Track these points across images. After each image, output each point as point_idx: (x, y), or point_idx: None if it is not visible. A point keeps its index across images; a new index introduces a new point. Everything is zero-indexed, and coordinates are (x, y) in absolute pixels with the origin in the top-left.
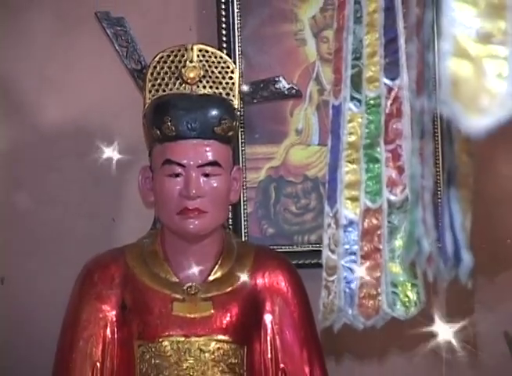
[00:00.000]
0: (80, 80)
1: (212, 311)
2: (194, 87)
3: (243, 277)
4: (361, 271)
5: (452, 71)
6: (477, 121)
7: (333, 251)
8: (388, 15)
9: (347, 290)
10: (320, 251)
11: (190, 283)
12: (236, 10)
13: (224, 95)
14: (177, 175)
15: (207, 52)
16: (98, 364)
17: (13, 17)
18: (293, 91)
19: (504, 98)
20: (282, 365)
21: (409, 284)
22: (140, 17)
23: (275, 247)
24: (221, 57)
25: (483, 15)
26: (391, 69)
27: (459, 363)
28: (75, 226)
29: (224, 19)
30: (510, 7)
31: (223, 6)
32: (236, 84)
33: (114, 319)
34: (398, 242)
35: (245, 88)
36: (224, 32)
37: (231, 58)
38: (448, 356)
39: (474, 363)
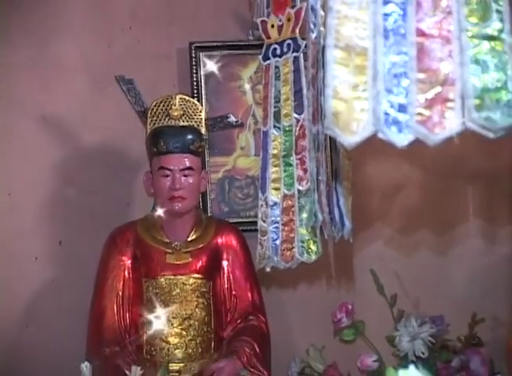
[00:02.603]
0: (106, 118)
1: (190, 259)
2: (177, 121)
3: (209, 238)
4: (281, 233)
5: (333, 108)
6: (349, 139)
7: (264, 221)
8: (296, 74)
9: (274, 245)
10: (256, 221)
11: (176, 242)
12: (202, 74)
13: (196, 126)
14: (167, 176)
15: (185, 99)
16: (120, 293)
17: (65, 78)
18: (239, 123)
19: (366, 124)
20: (234, 292)
21: (312, 241)
22: (143, 78)
23: (229, 219)
24: (193, 103)
25: (352, 72)
26: (299, 108)
27: (341, 290)
28: (103, 208)
29: (195, 79)
30: (369, 67)
31: (194, 71)
32: (203, 119)
33: (130, 265)
34: (304, 215)
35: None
36: (195, 87)
37: (199, 103)
38: (332, 286)
39: (351, 287)
